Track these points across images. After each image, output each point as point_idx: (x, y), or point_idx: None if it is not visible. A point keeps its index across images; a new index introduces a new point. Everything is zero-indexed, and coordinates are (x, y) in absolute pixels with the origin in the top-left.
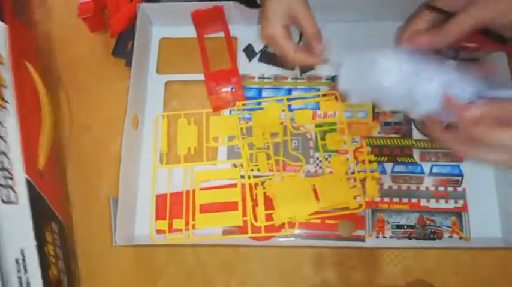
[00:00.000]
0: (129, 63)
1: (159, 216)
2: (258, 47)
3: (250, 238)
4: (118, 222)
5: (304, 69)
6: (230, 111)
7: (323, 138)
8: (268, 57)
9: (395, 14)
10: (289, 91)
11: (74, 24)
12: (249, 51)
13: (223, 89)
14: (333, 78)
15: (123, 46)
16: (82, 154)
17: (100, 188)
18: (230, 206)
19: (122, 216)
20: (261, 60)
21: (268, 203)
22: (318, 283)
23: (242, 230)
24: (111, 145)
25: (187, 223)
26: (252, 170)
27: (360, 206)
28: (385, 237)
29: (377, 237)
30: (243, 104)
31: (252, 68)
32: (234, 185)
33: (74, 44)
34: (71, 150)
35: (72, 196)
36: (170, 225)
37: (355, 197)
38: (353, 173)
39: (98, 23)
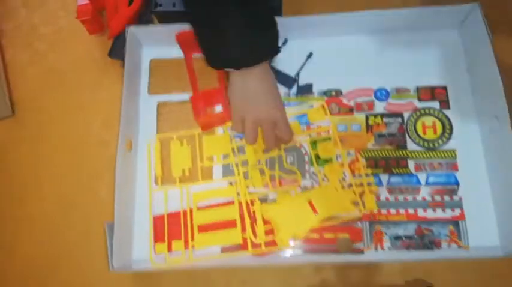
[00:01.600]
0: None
1: (158, 238)
2: None
3: (251, 254)
4: (115, 248)
5: (301, 91)
6: (223, 130)
7: (314, 148)
8: None
9: None
10: None
11: (73, 26)
12: None
13: (211, 109)
14: (325, 93)
15: (120, 48)
16: (81, 154)
17: (99, 188)
18: (229, 224)
19: (118, 241)
20: None
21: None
22: (317, 282)
23: (242, 247)
24: (110, 145)
25: (186, 242)
26: (248, 186)
27: (359, 211)
28: (384, 249)
29: (375, 249)
30: None
31: None
32: (231, 203)
33: (72, 46)
34: (70, 150)
35: (71, 195)
36: (169, 247)
37: (352, 202)
38: (350, 186)
39: (97, 25)
